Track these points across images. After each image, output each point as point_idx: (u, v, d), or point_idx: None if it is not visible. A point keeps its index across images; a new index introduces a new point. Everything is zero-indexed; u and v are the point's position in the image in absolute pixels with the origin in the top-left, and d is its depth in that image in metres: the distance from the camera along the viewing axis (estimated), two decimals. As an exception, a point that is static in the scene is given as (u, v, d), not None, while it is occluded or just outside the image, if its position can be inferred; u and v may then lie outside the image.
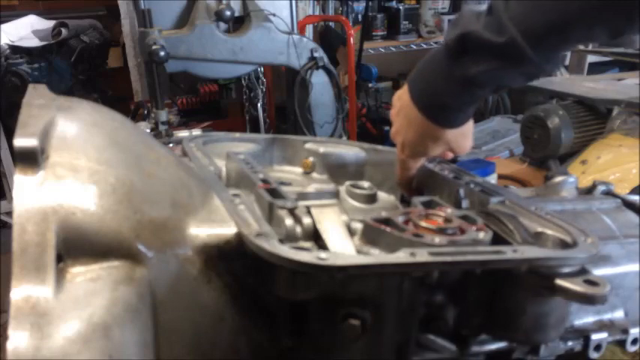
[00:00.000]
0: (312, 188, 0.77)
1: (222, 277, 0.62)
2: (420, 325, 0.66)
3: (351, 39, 3.22)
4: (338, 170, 1.05)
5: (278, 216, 0.66)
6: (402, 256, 0.56)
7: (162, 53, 2.31)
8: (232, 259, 0.62)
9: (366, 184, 0.95)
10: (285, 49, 2.71)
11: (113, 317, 0.49)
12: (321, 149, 1.07)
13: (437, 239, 0.61)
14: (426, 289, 0.64)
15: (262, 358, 0.65)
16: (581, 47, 3.28)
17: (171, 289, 0.58)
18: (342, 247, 0.64)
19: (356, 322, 0.59)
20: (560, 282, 0.59)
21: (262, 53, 2.67)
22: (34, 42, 3.62)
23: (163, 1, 2.50)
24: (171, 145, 1.03)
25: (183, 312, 0.59)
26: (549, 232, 0.70)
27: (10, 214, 3.45)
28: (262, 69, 3.35)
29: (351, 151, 1.07)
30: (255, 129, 3.43)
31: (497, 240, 0.67)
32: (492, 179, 1.90)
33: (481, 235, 0.65)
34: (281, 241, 0.58)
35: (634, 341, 0.80)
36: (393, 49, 4.10)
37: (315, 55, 2.78)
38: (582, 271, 0.61)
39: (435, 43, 4.11)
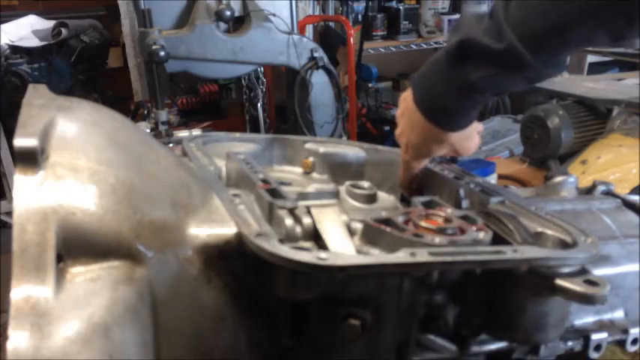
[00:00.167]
0: (312, 188, 0.77)
1: (222, 277, 0.62)
2: (420, 325, 0.66)
3: (351, 39, 3.22)
4: (338, 170, 1.05)
5: (278, 216, 0.66)
6: (402, 256, 0.56)
7: (162, 53, 2.31)
8: (232, 259, 0.62)
9: (366, 184, 0.95)
10: (285, 49, 2.71)
11: (113, 317, 0.49)
12: (321, 149, 1.07)
13: (437, 239, 0.61)
14: (426, 289, 0.64)
15: (262, 358, 0.65)
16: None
17: (171, 289, 0.57)
18: (342, 247, 0.64)
19: (356, 322, 0.59)
20: (560, 282, 0.59)
21: (262, 53, 2.67)
22: (34, 42, 3.62)
23: (163, 1, 2.50)
24: (171, 145, 1.03)
25: (183, 312, 0.59)
26: (549, 232, 0.70)
27: (10, 214, 3.45)
28: (262, 69, 3.35)
29: (351, 151, 1.07)
30: (255, 129, 3.43)
31: (497, 240, 0.67)
32: (492, 179, 1.90)
33: (481, 235, 0.65)
34: (281, 241, 0.58)
35: (634, 341, 0.80)
36: (393, 49, 4.10)
37: (315, 55, 2.78)
38: (582, 271, 0.61)
39: (435, 43, 4.11)
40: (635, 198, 0.92)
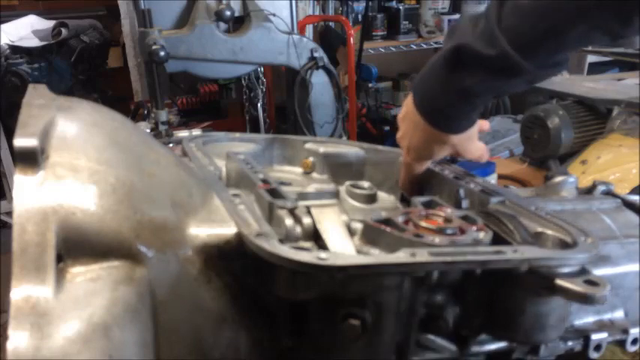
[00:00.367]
0: (312, 188, 0.77)
1: (222, 277, 0.62)
2: (420, 325, 0.66)
3: (351, 39, 3.22)
4: (338, 170, 1.05)
5: (278, 216, 0.66)
6: (402, 256, 0.56)
7: (162, 53, 2.31)
8: (232, 259, 0.62)
9: (366, 184, 0.95)
10: (285, 49, 2.71)
11: (113, 317, 0.49)
12: (321, 149, 1.06)
13: (437, 239, 0.61)
14: (426, 289, 0.64)
15: (262, 358, 0.65)
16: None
17: (171, 289, 0.57)
18: (342, 247, 0.64)
19: (356, 322, 0.59)
20: (560, 282, 0.59)
21: (262, 53, 2.67)
22: (34, 42, 3.62)
23: (163, 1, 2.50)
24: (171, 145, 1.03)
25: (183, 312, 0.59)
26: (549, 232, 0.70)
27: (10, 214, 3.45)
28: (262, 69, 3.35)
29: (351, 151, 1.07)
30: (255, 129, 3.43)
31: (497, 240, 0.67)
32: (492, 179, 1.90)
33: (481, 235, 0.65)
34: (281, 241, 0.58)
35: (634, 341, 0.80)
36: (393, 49, 4.10)
37: (315, 55, 2.78)
38: (582, 271, 0.61)
39: (435, 43, 4.11)
40: (635, 198, 0.92)
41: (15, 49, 3.51)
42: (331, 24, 3.64)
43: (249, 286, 0.64)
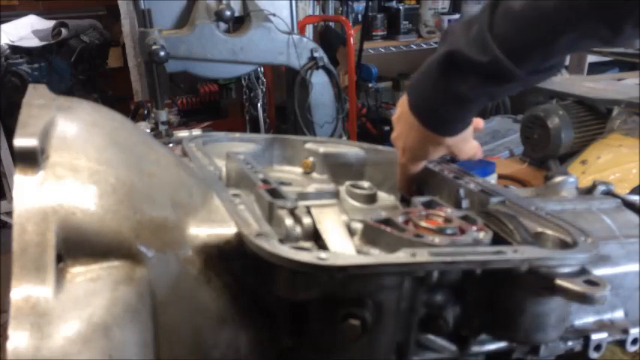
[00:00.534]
0: (312, 188, 0.77)
1: (222, 277, 0.62)
2: (420, 325, 0.66)
3: (351, 39, 3.22)
4: (338, 170, 1.05)
5: (278, 216, 0.66)
6: (402, 256, 0.56)
7: (162, 53, 2.31)
8: (232, 259, 0.62)
9: (366, 184, 0.95)
10: (285, 49, 2.71)
11: (113, 317, 0.49)
12: (321, 149, 1.06)
13: (437, 239, 0.61)
14: (426, 289, 0.64)
15: (262, 358, 0.65)
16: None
17: (171, 289, 0.57)
18: (342, 247, 0.64)
19: (356, 322, 0.59)
20: (560, 282, 0.59)
21: (262, 53, 2.67)
22: (34, 42, 3.62)
23: (163, 1, 2.50)
24: (171, 145, 1.03)
25: (183, 312, 0.59)
26: (549, 232, 0.70)
27: (10, 214, 3.45)
28: (262, 69, 3.35)
29: (351, 151, 1.07)
30: (255, 129, 3.43)
31: (497, 240, 0.67)
32: (492, 179, 1.90)
33: (481, 235, 0.65)
34: (281, 241, 0.58)
35: (634, 341, 0.80)
36: (393, 49, 4.10)
37: (315, 55, 2.78)
38: (582, 271, 0.61)
39: (435, 43, 4.11)
40: (635, 198, 0.92)
41: (15, 49, 3.51)
42: (331, 24, 3.64)
43: (249, 286, 0.64)
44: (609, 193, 0.94)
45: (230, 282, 0.63)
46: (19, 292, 0.46)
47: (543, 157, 2.25)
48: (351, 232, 0.70)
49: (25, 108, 0.58)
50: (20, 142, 0.51)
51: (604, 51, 3.25)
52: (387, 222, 0.66)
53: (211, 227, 0.63)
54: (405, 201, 0.95)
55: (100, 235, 0.52)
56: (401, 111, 0.86)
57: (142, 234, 0.55)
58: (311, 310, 0.62)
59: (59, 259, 0.49)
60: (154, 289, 0.55)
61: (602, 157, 1.97)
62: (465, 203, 0.81)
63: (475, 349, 0.70)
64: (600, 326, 0.79)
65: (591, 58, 3.54)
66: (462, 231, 0.65)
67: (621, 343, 0.80)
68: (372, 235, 0.65)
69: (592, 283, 0.59)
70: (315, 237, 0.66)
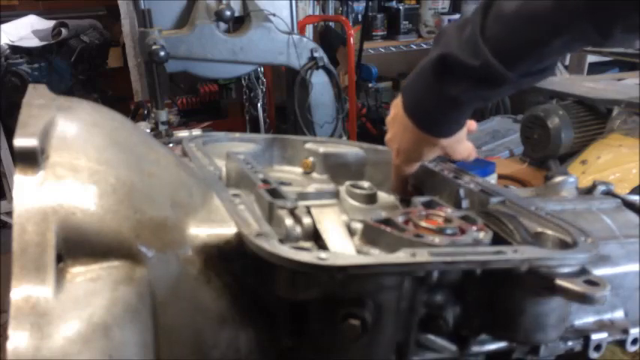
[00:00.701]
0: (312, 188, 0.77)
1: (222, 277, 0.62)
2: (420, 325, 0.66)
3: (351, 39, 3.22)
4: (338, 170, 1.05)
5: (278, 216, 0.66)
6: (402, 256, 0.56)
7: (162, 53, 2.31)
8: (232, 259, 0.62)
9: (366, 184, 0.95)
10: (285, 49, 2.71)
11: (113, 317, 0.49)
12: (321, 149, 1.06)
13: (437, 239, 0.61)
14: (426, 289, 0.64)
15: (262, 358, 0.65)
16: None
17: (171, 289, 0.57)
18: (342, 247, 0.64)
19: (356, 322, 0.59)
20: (560, 282, 0.59)
21: (262, 53, 2.67)
22: (34, 42, 3.62)
23: (163, 1, 2.50)
24: (171, 145, 1.03)
25: (183, 312, 0.59)
26: (549, 232, 0.70)
27: (10, 214, 3.45)
28: (262, 69, 3.35)
29: (351, 150, 1.07)
30: (255, 129, 3.43)
31: (497, 240, 0.67)
32: (492, 179, 1.90)
33: (481, 235, 0.65)
34: (281, 241, 0.58)
35: (634, 341, 0.80)
36: (393, 49, 4.10)
37: (315, 55, 2.78)
38: (582, 271, 0.61)
39: (435, 43, 4.11)
40: (635, 198, 0.92)
41: (15, 49, 3.51)
42: (331, 24, 3.64)
43: (249, 286, 0.64)
44: (609, 193, 0.94)
45: (230, 282, 0.63)
46: (19, 292, 0.46)
47: (543, 157, 2.25)
48: (351, 232, 0.70)
49: (25, 108, 0.58)
50: (20, 142, 0.51)
51: (604, 51, 3.25)
52: (387, 222, 0.66)
53: (211, 227, 0.63)
54: (405, 201, 0.95)
55: (100, 235, 0.52)
56: (395, 112, 0.87)
57: (142, 234, 0.55)
58: (311, 310, 0.62)
59: (59, 259, 0.49)
60: (154, 289, 0.55)
61: (602, 157, 1.97)
62: (465, 203, 0.81)
63: (475, 349, 0.70)
64: (600, 326, 0.79)
65: (591, 58, 3.54)
66: (462, 231, 0.65)
67: (621, 343, 0.80)
68: (372, 235, 0.65)
69: (592, 283, 0.59)
70: (315, 237, 0.66)
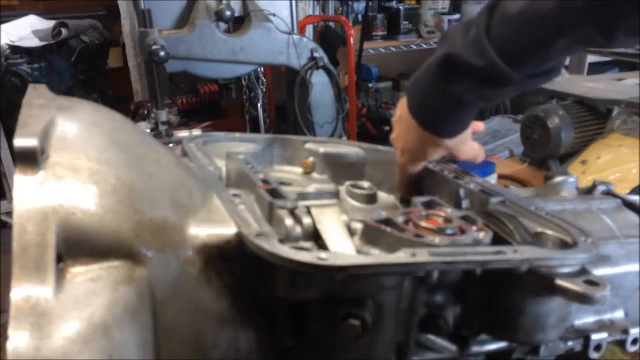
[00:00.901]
0: (312, 188, 0.77)
1: (222, 277, 0.62)
2: (420, 325, 0.66)
3: (351, 39, 3.22)
4: (338, 170, 1.05)
5: (278, 216, 0.66)
6: (402, 256, 0.56)
7: (162, 53, 2.31)
8: (232, 259, 0.62)
9: (366, 184, 0.95)
10: (285, 49, 2.71)
11: (113, 317, 0.49)
12: (321, 149, 1.07)
13: (437, 239, 0.61)
14: (426, 289, 0.64)
15: (262, 358, 0.65)
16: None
17: (171, 289, 0.58)
18: (342, 247, 0.64)
19: (356, 322, 0.59)
20: (560, 282, 0.59)
21: (262, 53, 2.66)
22: (34, 42, 3.62)
23: (163, 1, 2.49)
24: (171, 145, 1.03)
25: (183, 312, 0.59)
26: (549, 232, 0.70)
27: (10, 214, 3.45)
28: (262, 69, 3.35)
29: (351, 150, 1.07)
30: (255, 129, 3.43)
31: (497, 240, 0.67)
32: (492, 179, 1.90)
33: (481, 235, 0.65)
34: (281, 241, 0.58)
35: (634, 341, 0.80)
36: (393, 49, 4.10)
37: (315, 55, 2.78)
38: (582, 271, 0.61)
39: (435, 43, 4.11)
40: (635, 198, 0.92)
41: (15, 49, 3.51)
42: (331, 24, 3.64)
43: (249, 286, 0.64)
44: (609, 193, 0.94)
45: (230, 282, 0.63)
46: (19, 292, 0.46)
47: (543, 157, 2.25)
48: (351, 232, 0.70)
49: (25, 108, 0.58)
50: (20, 142, 0.51)
51: (604, 51, 3.25)
52: (387, 222, 0.66)
53: (211, 227, 0.63)
54: (405, 201, 0.95)
55: (100, 235, 0.52)
56: (400, 112, 0.87)
57: (142, 234, 0.55)
58: (311, 310, 0.62)
59: (59, 259, 0.49)
60: (154, 289, 0.55)
61: (602, 157, 1.97)
62: (465, 203, 0.81)
63: (475, 349, 0.70)
64: (600, 326, 0.79)
65: (591, 58, 3.53)
66: (462, 231, 0.65)
67: (621, 343, 0.80)
68: (372, 235, 0.65)
69: (592, 283, 0.59)
70: (315, 237, 0.66)
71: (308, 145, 1.09)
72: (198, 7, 2.51)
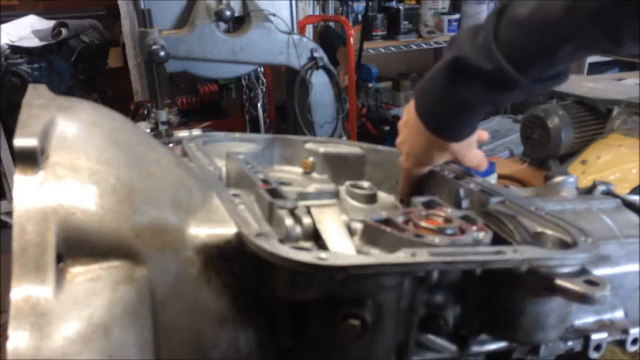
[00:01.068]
0: (312, 188, 0.77)
1: (222, 277, 0.62)
2: (420, 325, 0.66)
3: (351, 39, 3.21)
4: (338, 170, 1.05)
5: (278, 216, 0.66)
6: (402, 256, 0.56)
7: (162, 53, 2.30)
8: (232, 259, 0.62)
9: (366, 184, 0.95)
10: (285, 49, 2.71)
11: (113, 317, 0.49)
12: (321, 149, 1.07)
13: (437, 239, 0.61)
14: (426, 288, 0.64)
15: (262, 358, 0.65)
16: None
17: (171, 289, 0.57)
18: (342, 247, 0.64)
19: (356, 322, 0.59)
20: (560, 282, 0.59)
21: (262, 53, 2.66)
22: (34, 42, 3.62)
23: (163, 1, 2.49)
24: (171, 145, 1.03)
25: (183, 312, 0.59)
26: (549, 232, 0.70)
27: (10, 214, 3.45)
28: (262, 69, 3.34)
29: (351, 150, 1.07)
30: (255, 129, 3.43)
31: (497, 240, 0.67)
32: (492, 179, 1.90)
33: (481, 235, 0.65)
34: (281, 241, 0.58)
35: (634, 341, 0.80)
36: (393, 49, 4.10)
37: (315, 55, 2.78)
38: (582, 271, 0.61)
39: (435, 43, 4.12)
40: (635, 198, 0.92)
41: (15, 49, 3.51)
42: (331, 24, 3.64)
43: (249, 286, 0.64)
44: (609, 193, 0.94)
45: (230, 282, 0.63)
46: (19, 292, 0.46)
47: (543, 157, 2.25)
48: (351, 232, 0.70)
49: (25, 108, 0.58)
50: (20, 142, 0.51)
51: (604, 51, 3.24)
52: (387, 222, 0.66)
53: (211, 227, 0.63)
54: (405, 201, 0.95)
55: (100, 235, 0.52)
56: (407, 117, 0.87)
57: (142, 234, 0.55)
58: (311, 310, 0.62)
59: (59, 259, 0.49)
60: (154, 289, 0.55)
61: (602, 157, 1.97)
62: (465, 203, 0.81)
63: (475, 349, 0.70)
64: (600, 326, 0.79)
65: (591, 58, 3.54)
66: (462, 231, 0.65)
67: (621, 343, 0.80)
68: (372, 235, 0.65)
69: (592, 283, 0.59)
70: (315, 237, 0.66)
71: (308, 145, 1.09)
72: (198, 7, 2.51)
